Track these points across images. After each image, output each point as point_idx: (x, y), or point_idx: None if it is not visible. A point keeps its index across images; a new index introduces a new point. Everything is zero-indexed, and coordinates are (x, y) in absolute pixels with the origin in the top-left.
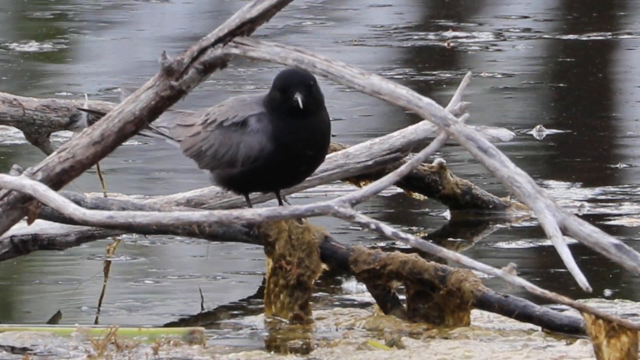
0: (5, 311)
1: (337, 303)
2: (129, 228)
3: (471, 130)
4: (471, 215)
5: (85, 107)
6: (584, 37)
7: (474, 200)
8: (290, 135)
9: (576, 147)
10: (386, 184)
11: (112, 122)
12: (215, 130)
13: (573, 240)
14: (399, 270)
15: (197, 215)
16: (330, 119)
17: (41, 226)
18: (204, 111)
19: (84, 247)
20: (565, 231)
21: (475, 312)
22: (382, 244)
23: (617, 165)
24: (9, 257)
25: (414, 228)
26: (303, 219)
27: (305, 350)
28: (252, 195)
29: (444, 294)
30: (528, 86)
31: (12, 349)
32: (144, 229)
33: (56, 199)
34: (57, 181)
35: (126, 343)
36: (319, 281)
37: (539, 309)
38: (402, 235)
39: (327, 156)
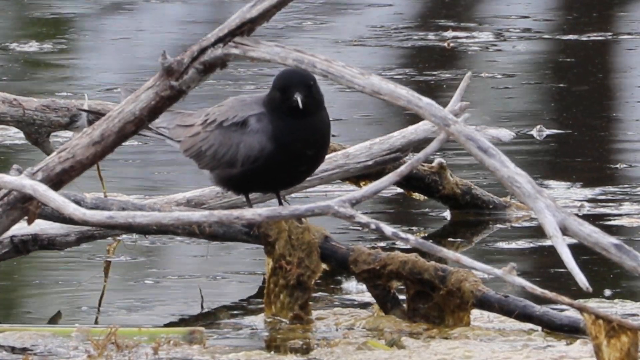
0: (5, 311)
1: (337, 303)
2: (129, 228)
3: (471, 130)
4: (471, 215)
5: (85, 107)
6: (584, 37)
7: (474, 200)
8: (290, 135)
9: (576, 147)
10: (386, 184)
11: (112, 122)
12: (215, 131)
13: (573, 240)
14: (399, 270)
15: (197, 215)
16: (330, 119)
17: (41, 226)
18: (203, 111)
19: (84, 247)
20: (565, 231)
21: (475, 312)
22: (382, 244)
23: (617, 166)
24: (9, 257)
25: (414, 228)
26: (303, 219)
27: (305, 350)
28: (252, 195)
29: (444, 294)
30: (528, 86)
31: (13, 349)
32: (144, 229)
33: (56, 199)
34: (57, 181)
35: (126, 343)
36: (319, 281)
37: (539, 309)
38: (402, 235)
39: (327, 156)
